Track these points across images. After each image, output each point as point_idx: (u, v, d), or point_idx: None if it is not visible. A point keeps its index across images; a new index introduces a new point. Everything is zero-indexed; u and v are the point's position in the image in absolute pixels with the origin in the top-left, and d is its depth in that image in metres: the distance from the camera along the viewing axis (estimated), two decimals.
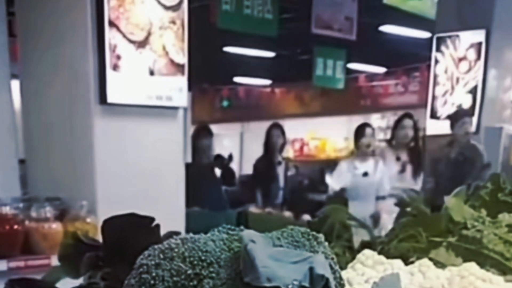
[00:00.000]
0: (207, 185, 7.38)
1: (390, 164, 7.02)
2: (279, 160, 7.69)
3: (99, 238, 1.19)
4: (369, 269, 1.32)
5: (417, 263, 1.35)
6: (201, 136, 7.49)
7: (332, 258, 0.88)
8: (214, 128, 19.52)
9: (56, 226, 3.87)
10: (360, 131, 7.04)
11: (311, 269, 0.78)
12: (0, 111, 4.34)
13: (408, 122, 7.14)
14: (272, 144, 7.59)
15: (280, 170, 7.73)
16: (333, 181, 7.02)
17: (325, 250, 0.87)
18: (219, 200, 7.37)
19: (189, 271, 0.79)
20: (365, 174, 6.89)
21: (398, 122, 7.29)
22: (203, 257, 0.79)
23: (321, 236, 0.88)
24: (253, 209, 7.82)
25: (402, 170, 7.06)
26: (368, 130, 7.04)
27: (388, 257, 1.37)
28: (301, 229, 0.86)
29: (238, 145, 19.28)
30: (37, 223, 3.83)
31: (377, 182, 6.83)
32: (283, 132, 7.73)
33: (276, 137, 7.60)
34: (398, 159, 7.10)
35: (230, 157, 18.93)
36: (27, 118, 4.56)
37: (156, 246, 0.83)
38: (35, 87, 4.48)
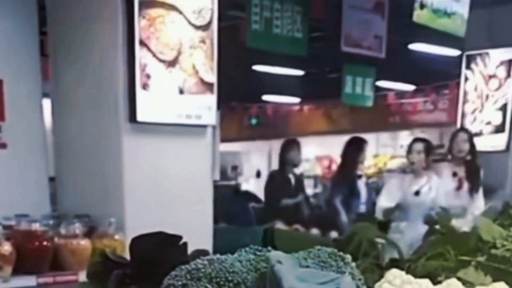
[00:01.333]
0: (289, 193, 7.40)
1: (446, 181, 6.59)
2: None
3: (127, 255, 1.20)
4: None
5: (445, 283, 1.34)
6: (288, 148, 7.50)
7: (360, 279, 0.88)
8: (242, 145, 19.59)
9: (85, 243, 3.89)
10: (412, 146, 6.63)
11: None
12: (32, 129, 4.39)
13: (463, 136, 6.77)
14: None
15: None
16: (382, 200, 6.60)
17: (352, 271, 0.87)
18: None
19: None
20: (417, 193, 6.43)
21: (453, 137, 6.86)
22: (229, 278, 0.79)
23: (348, 257, 0.88)
24: (279, 225, 7.79)
25: (459, 186, 6.62)
26: (419, 146, 6.60)
27: (415, 275, 1.37)
28: (328, 249, 0.86)
29: (266, 162, 19.25)
30: (66, 239, 3.86)
31: (430, 201, 6.34)
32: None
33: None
34: (454, 174, 6.66)
35: (258, 173, 18.91)
36: (57, 137, 4.61)
37: (183, 267, 0.83)
38: (66, 105, 4.53)
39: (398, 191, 6.46)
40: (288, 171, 7.54)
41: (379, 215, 6.35)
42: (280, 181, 7.54)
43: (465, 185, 6.62)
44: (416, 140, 6.86)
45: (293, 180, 7.53)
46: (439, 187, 6.42)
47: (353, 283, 0.83)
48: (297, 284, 0.76)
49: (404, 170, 6.74)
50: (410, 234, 5.74)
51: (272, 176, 7.95)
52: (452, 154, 6.79)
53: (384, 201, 6.49)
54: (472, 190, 6.61)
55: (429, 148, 6.61)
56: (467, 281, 1.45)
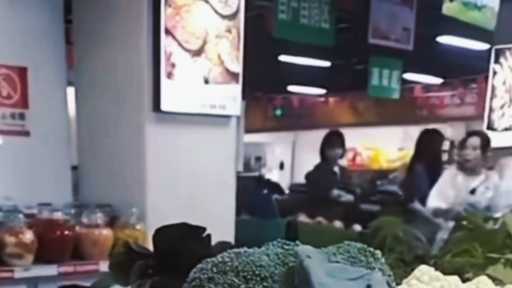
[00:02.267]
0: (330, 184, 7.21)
1: (510, 177, 5.97)
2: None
3: (148, 245, 1.19)
4: (424, 285, 1.28)
5: (475, 280, 1.31)
6: (331, 140, 7.26)
7: (390, 275, 0.85)
8: (266, 136, 19.58)
9: (106, 233, 3.90)
10: (466, 141, 5.99)
11: (368, 287, 0.75)
12: (55, 118, 4.41)
13: None
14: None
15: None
16: (433, 198, 5.99)
17: (382, 267, 0.85)
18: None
19: (243, 286, 0.77)
20: (473, 191, 5.82)
21: None
22: (257, 272, 0.77)
23: (378, 252, 0.86)
24: (303, 218, 7.76)
25: None
26: (472, 141, 5.94)
27: (443, 271, 1.34)
28: (358, 244, 0.84)
29: (290, 154, 19.27)
30: (87, 229, 3.87)
31: (486, 201, 5.72)
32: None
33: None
34: None
35: (282, 165, 18.94)
36: (81, 125, 4.62)
37: (209, 260, 0.81)
38: (90, 94, 4.54)
39: (451, 190, 5.91)
40: (332, 165, 7.26)
41: (428, 214, 5.98)
42: (324, 174, 7.27)
43: None
44: (470, 134, 6.23)
45: (338, 174, 7.28)
46: (499, 186, 5.82)
47: (384, 279, 0.81)
48: (326, 280, 0.74)
49: (462, 166, 5.96)
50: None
51: (316, 169, 7.62)
52: None
53: (435, 200, 5.94)
54: None
55: (486, 143, 5.96)
56: (497, 278, 1.42)
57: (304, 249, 0.78)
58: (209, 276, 0.79)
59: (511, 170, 6.08)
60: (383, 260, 0.87)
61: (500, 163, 6.20)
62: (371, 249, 0.85)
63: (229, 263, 0.79)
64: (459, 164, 6.00)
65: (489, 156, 5.95)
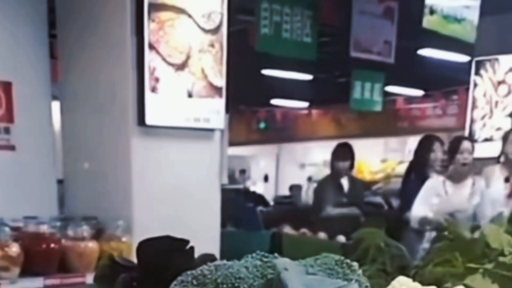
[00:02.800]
0: (336, 196, 7.08)
1: (496, 186, 5.80)
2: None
3: (134, 257, 1.21)
4: None
5: None
6: (341, 151, 7.11)
7: (366, 286, 0.87)
8: (250, 149, 19.57)
9: (92, 245, 3.89)
10: (455, 146, 5.84)
11: None
12: (41, 131, 4.40)
13: None
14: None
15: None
16: (417, 207, 5.82)
17: (359, 278, 0.87)
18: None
19: None
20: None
21: (506, 136, 5.98)
22: (236, 284, 0.79)
23: (355, 264, 0.88)
24: (287, 230, 7.75)
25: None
26: (466, 145, 5.83)
27: (422, 282, 1.36)
28: (335, 256, 0.86)
29: (274, 166, 19.27)
30: (73, 242, 3.86)
31: (473, 208, 5.63)
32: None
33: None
34: (507, 180, 5.79)
35: (266, 177, 18.93)
36: (66, 139, 4.62)
37: (189, 272, 0.83)
38: (75, 108, 4.54)
39: (435, 198, 5.76)
40: (339, 177, 7.08)
41: (414, 224, 5.82)
42: (331, 188, 7.09)
43: None
44: (460, 139, 6.10)
45: (346, 186, 7.08)
46: (485, 193, 5.71)
47: None
48: None
49: (455, 172, 5.78)
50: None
51: (322, 183, 7.52)
52: (506, 157, 5.91)
53: (420, 209, 5.76)
54: None
55: (473, 148, 5.86)
56: None
57: (282, 262, 0.80)
58: None
59: (497, 179, 5.87)
60: (360, 271, 0.89)
61: (486, 171, 6.08)
62: (348, 261, 0.88)
63: (209, 276, 0.81)
64: (453, 170, 5.81)
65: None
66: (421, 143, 6.80)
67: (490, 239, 1.64)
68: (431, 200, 5.76)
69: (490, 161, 6.33)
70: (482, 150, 6.88)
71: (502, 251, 1.58)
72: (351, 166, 7.18)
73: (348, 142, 7.47)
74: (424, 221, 5.73)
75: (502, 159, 5.99)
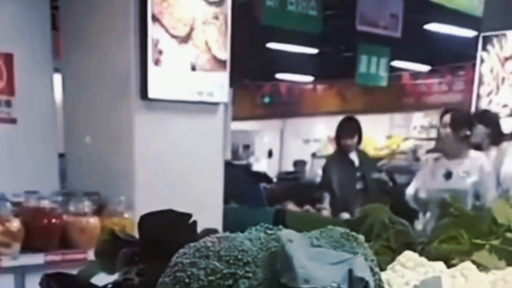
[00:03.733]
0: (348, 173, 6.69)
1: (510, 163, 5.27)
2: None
3: (136, 233, 1.19)
4: (409, 271, 1.29)
5: (460, 266, 1.32)
6: (347, 126, 6.75)
7: (372, 260, 0.85)
8: (254, 124, 19.56)
9: (94, 221, 3.88)
10: (457, 119, 5.19)
11: (350, 271, 0.76)
12: (42, 105, 4.39)
13: None
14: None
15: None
16: (411, 186, 5.46)
17: (365, 252, 0.85)
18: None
19: (225, 270, 0.77)
20: (448, 175, 5.13)
21: None
22: (239, 256, 0.77)
23: (361, 237, 0.86)
24: (291, 206, 7.75)
25: None
26: (446, 118, 5.23)
27: (428, 258, 1.35)
28: (341, 229, 0.84)
29: (278, 141, 19.29)
30: (75, 217, 3.85)
31: (469, 187, 5.02)
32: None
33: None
34: None
35: (270, 153, 18.95)
36: (67, 113, 4.60)
37: (191, 244, 0.81)
38: (77, 81, 4.52)
39: (429, 176, 5.29)
40: (348, 153, 6.69)
41: (411, 203, 5.50)
42: (340, 165, 6.67)
43: None
44: (445, 111, 5.45)
45: (357, 162, 6.70)
46: (488, 170, 5.15)
47: (366, 264, 0.81)
48: (308, 264, 0.74)
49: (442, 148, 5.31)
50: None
51: (329, 160, 7.17)
52: None
53: (412, 188, 5.39)
54: None
55: (460, 120, 5.23)
56: (481, 264, 1.43)
57: (286, 234, 0.78)
58: (191, 261, 0.80)
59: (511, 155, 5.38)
60: (366, 245, 0.87)
61: (501, 148, 5.56)
62: (354, 233, 0.86)
63: (212, 248, 0.79)
64: (447, 146, 5.28)
65: (469, 136, 5.24)
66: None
67: (497, 214, 1.62)
68: (425, 179, 5.31)
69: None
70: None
71: (509, 226, 1.57)
72: (359, 141, 6.87)
73: (354, 116, 7.21)
74: (416, 200, 5.39)
75: None
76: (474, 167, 5.08)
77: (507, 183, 5.22)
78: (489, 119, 6.05)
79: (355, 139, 6.73)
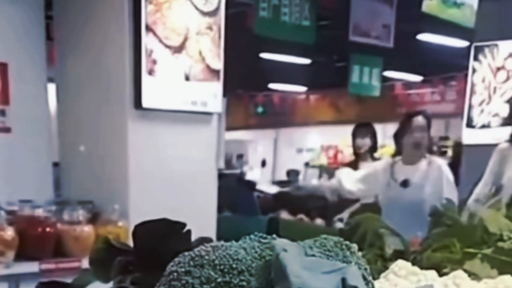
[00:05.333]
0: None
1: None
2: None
3: (130, 242, 1.20)
4: (402, 280, 1.30)
5: (452, 275, 1.33)
6: (362, 132, 6.51)
7: (366, 269, 0.86)
8: (247, 134, 19.56)
9: (88, 229, 3.89)
10: (407, 124, 4.97)
11: (343, 280, 0.76)
12: (36, 114, 4.39)
13: None
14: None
15: None
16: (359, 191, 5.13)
17: (358, 261, 0.86)
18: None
19: (219, 279, 0.78)
20: (405, 183, 4.82)
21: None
22: (234, 265, 0.78)
23: (354, 246, 0.87)
24: (284, 215, 7.76)
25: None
26: (419, 121, 4.94)
27: (421, 267, 1.36)
28: (334, 238, 0.85)
29: (271, 151, 19.30)
30: (69, 226, 3.86)
31: (427, 195, 4.67)
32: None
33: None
34: None
35: (264, 162, 18.96)
36: (62, 122, 4.61)
37: (186, 253, 0.82)
38: (71, 90, 4.53)
39: (382, 179, 4.92)
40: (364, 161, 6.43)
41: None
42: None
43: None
44: (412, 115, 5.19)
45: None
46: (447, 177, 4.83)
47: (359, 273, 0.81)
48: (302, 273, 0.75)
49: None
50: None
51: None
52: None
53: (359, 194, 5.14)
54: None
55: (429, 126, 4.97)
56: (473, 273, 1.44)
57: (280, 243, 0.79)
58: (186, 270, 0.80)
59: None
60: (359, 254, 0.88)
61: (499, 149, 4.82)
62: (347, 242, 0.86)
63: (206, 257, 0.80)
64: (404, 151, 4.98)
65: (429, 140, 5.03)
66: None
67: (489, 224, 1.63)
68: (373, 182, 4.99)
69: (487, 148, 6.06)
70: (480, 137, 6.88)
71: (501, 236, 1.58)
72: (374, 147, 6.62)
73: (370, 122, 6.95)
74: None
75: None
76: (432, 173, 4.84)
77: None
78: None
79: (370, 144, 6.52)
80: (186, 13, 4.22)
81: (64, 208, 3.93)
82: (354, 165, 6.39)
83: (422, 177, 4.81)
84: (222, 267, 0.78)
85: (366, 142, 6.46)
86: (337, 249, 0.84)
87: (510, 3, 7.07)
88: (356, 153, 6.54)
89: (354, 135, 6.56)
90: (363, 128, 6.63)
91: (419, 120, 4.94)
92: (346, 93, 11.67)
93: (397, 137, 5.05)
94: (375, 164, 5.43)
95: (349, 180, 5.16)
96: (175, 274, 0.81)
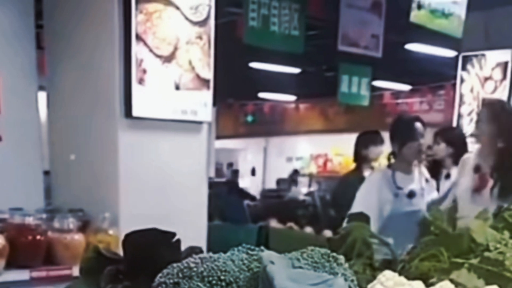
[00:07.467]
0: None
1: (465, 178, 4.54)
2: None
3: (120, 250, 1.20)
4: None
5: (438, 285, 1.34)
6: (369, 138, 6.35)
7: (352, 280, 0.87)
8: (237, 142, 19.57)
9: (78, 237, 3.88)
10: (405, 130, 4.70)
11: None
12: (27, 122, 4.39)
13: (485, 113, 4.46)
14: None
15: None
16: (356, 205, 4.56)
17: (345, 272, 0.87)
18: None
19: None
20: (411, 194, 4.60)
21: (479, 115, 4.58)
22: (222, 277, 0.79)
23: (341, 258, 0.88)
24: (274, 223, 7.76)
25: (481, 186, 4.41)
26: (417, 126, 4.66)
27: (408, 276, 1.36)
28: (321, 250, 0.86)
29: (261, 159, 19.30)
30: (59, 234, 3.85)
31: (425, 204, 4.59)
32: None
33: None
34: (477, 170, 4.48)
35: (253, 171, 18.95)
36: (53, 130, 4.61)
37: (175, 265, 0.83)
38: (61, 99, 4.53)
39: (375, 194, 4.60)
40: (366, 170, 6.24)
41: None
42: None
43: (490, 184, 4.39)
44: (411, 120, 4.87)
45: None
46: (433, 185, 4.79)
47: (346, 285, 0.83)
48: (289, 285, 0.76)
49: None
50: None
51: (344, 178, 6.75)
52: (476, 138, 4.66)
53: (358, 207, 4.46)
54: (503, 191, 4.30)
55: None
56: (460, 283, 1.45)
57: (268, 255, 0.80)
58: (174, 281, 0.81)
59: (469, 169, 4.55)
60: (346, 265, 0.89)
61: (462, 160, 4.76)
62: (334, 254, 0.88)
63: (195, 268, 0.81)
64: (400, 159, 4.73)
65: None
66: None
67: (476, 234, 1.64)
68: (371, 198, 4.60)
69: None
70: (470, 146, 6.91)
71: (488, 246, 1.59)
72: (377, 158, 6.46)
73: (377, 130, 6.68)
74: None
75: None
76: (427, 183, 4.74)
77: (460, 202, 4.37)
78: (455, 137, 5.94)
79: (378, 151, 6.38)
80: (176, 23, 4.23)
81: (55, 216, 3.92)
82: (357, 173, 6.25)
83: (419, 187, 4.66)
84: (210, 278, 0.79)
85: (380, 149, 6.32)
86: (324, 261, 0.85)
87: (497, 14, 7.13)
88: (359, 161, 6.36)
89: (362, 143, 6.39)
90: (377, 136, 6.44)
91: (419, 126, 4.67)
92: (335, 102, 11.69)
93: (399, 143, 4.73)
94: (373, 176, 5.00)
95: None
96: (164, 285, 0.82)
